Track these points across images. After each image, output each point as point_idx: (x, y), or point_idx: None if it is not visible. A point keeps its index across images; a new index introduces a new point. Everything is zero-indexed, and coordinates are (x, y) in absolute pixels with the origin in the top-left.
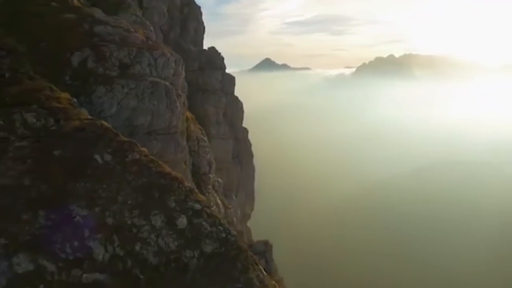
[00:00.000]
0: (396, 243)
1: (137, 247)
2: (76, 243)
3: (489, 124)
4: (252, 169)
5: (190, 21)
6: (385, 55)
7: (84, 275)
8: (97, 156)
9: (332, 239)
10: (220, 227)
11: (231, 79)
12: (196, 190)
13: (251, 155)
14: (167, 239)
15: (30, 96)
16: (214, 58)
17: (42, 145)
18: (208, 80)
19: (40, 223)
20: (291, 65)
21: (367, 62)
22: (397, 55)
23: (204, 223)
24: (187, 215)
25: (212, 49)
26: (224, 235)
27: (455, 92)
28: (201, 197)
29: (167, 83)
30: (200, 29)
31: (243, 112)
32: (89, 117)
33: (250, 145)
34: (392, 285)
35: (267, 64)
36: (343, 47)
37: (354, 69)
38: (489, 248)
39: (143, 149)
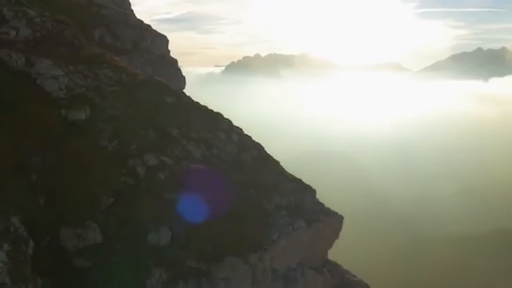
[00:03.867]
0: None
1: (215, 150)
2: (179, 148)
3: (346, 118)
4: None
5: None
6: (252, 55)
7: (191, 165)
8: (166, 98)
9: None
10: (256, 143)
11: None
12: None
13: None
14: (230, 147)
15: (99, 58)
16: None
17: (128, 89)
18: None
19: (152, 136)
20: None
21: (235, 61)
22: (263, 55)
23: (246, 139)
24: (236, 133)
25: None
26: (260, 146)
27: (316, 89)
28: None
29: (171, 56)
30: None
31: None
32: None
33: None
34: None
35: None
36: (212, 46)
37: (223, 68)
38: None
39: (188, 95)
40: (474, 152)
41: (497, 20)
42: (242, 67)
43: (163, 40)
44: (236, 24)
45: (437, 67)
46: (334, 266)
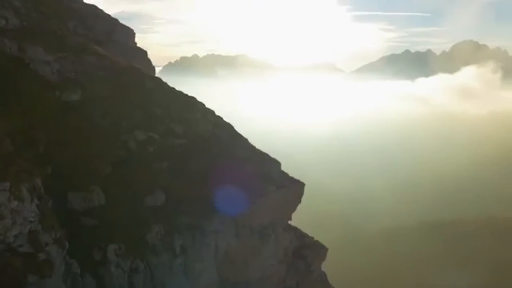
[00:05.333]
0: None
1: (194, 128)
2: (164, 125)
3: (283, 117)
4: None
5: None
6: (189, 55)
7: (176, 141)
8: (147, 82)
9: None
10: (227, 122)
11: None
12: None
13: None
14: (206, 124)
15: (86, 47)
16: None
17: (115, 75)
18: None
19: (139, 115)
20: None
21: (173, 61)
22: (200, 55)
23: (219, 119)
24: (210, 114)
25: None
26: (230, 125)
27: (254, 90)
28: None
29: (139, 47)
30: None
31: None
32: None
33: None
34: None
35: None
36: (148, 46)
37: (160, 68)
38: None
39: (165, 81)
40: (405, 151)
41: (424, 24)
42: (179, 67)
43: (131, 33)
44: (172, 24)
45: (369, 68)
46: (295, 229)
